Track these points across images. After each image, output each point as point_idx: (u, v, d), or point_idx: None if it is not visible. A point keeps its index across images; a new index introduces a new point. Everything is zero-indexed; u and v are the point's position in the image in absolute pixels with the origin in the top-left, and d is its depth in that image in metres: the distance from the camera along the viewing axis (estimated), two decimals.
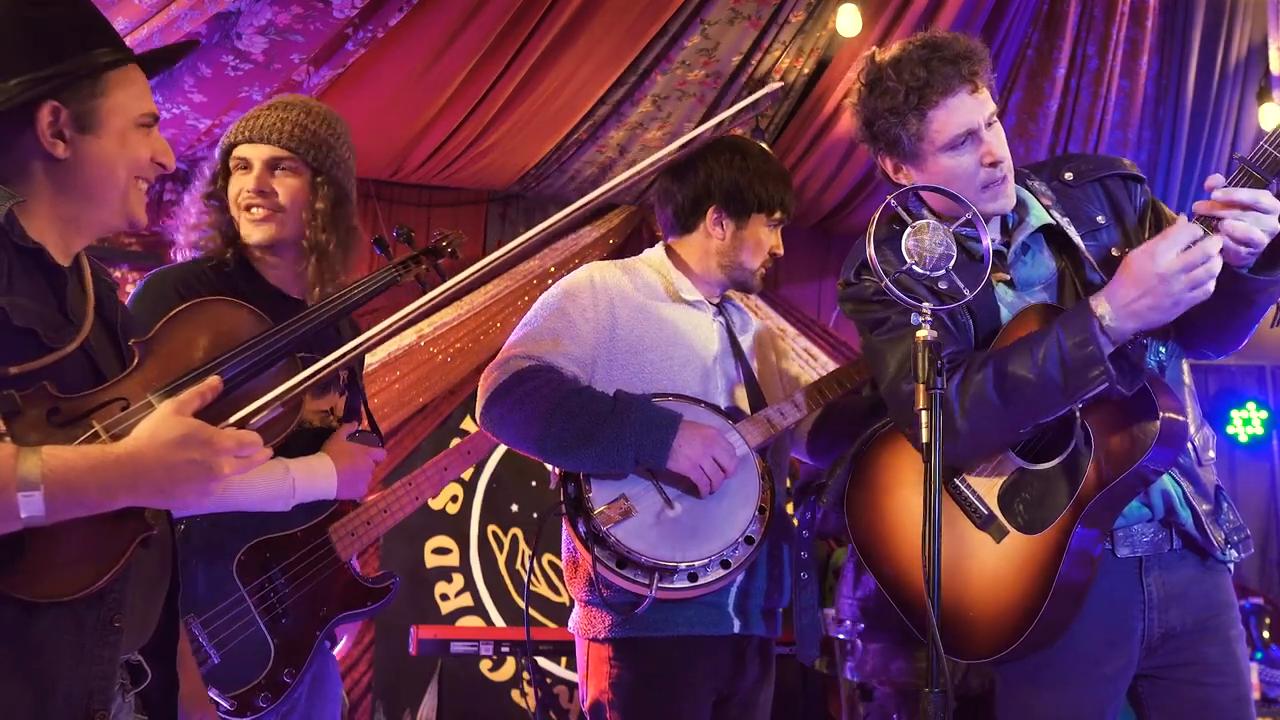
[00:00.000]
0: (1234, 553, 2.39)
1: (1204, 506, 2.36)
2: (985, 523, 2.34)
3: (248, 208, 2.68)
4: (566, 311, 2.83)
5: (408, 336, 5.98)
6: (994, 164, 2.38)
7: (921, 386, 2.04)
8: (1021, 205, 2.45)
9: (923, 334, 2.07)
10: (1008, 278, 2.39)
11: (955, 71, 2.38)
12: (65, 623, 1.72)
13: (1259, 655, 6.42)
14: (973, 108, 2.39)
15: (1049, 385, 2.19)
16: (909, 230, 2.15)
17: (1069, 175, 2.50)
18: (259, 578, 2.59)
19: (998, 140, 2.41)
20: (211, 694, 2.43)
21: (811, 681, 4.91)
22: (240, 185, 2.68)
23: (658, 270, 2.98)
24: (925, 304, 2.12)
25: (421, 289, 2.45)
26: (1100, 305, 2.19)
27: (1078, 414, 2.27)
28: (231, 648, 2.54)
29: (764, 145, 3.17)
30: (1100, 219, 2.46)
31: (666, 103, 5.90)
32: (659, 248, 3.05)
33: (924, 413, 2.03)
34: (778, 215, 2.97)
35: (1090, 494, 2.24)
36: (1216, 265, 2.14)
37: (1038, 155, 6.46)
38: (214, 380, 1.79)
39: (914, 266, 2.14)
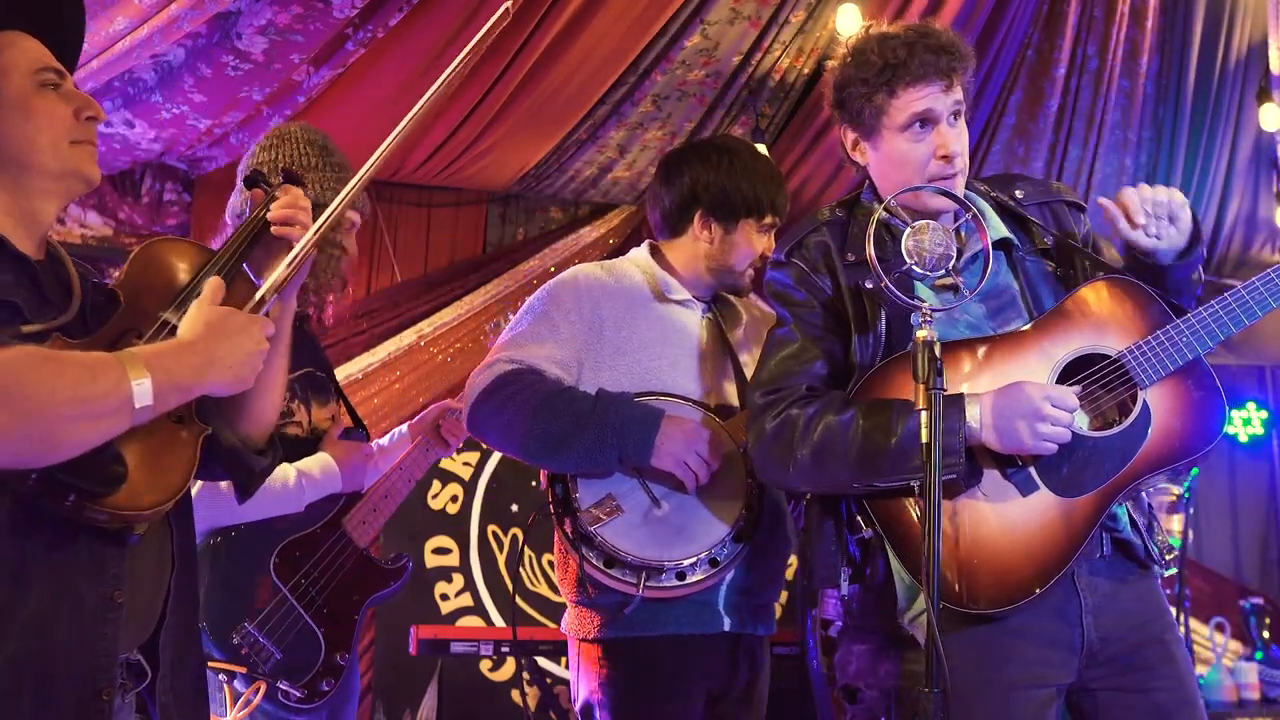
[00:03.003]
0: (1158, 568, 2.40)
1: (1142, 520, 2.38)
2: (1014, 474, 2.29)
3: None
4: (550, 314, 2.83)
5: (408, 337, 5.97)
6: (946, 158, 2.40)
7: (921, 386, 2.03)
8: (979, 214, 2.46)
9: (922, 334, 2.07)
10: (953, 282, 2.37)
11: (934, 61, 2.39)
12: (65, 601, 1.73)
13: (1259, 655, 6.42)
14: (939, 99, 2.40)
15: (900, 455, 2.22)
16: (909, 230, 2.16)
17: (1019, 194, 2.54)
18: (295, 575, 2.80)
19: (956, 137, 2.42)
20: (282, 685, 2.68)
21: (812, 682, 4.90)
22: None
23: (643, 270, 2.98)
24: (924, 304, 2.13)
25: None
26: (972, 407, 2.24)
27: (1141, 391, 2.28)
28: (289, 642, 2.74)
29: (754, 146, 3.17)
30: (1047, 240, 2.50)
31: (666, 103, 5.89)
32: (644, 247, 3.05)
33: (923, 413, 2.03)
34: (768, 219, 2.96)
35: (1141, 471, 2.26)
36: (1066, 436, 2.22)
37: (1038, 154, 6.46)
38: (217, 280, 1.94)
39: (914, 266, 2.16)
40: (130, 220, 5.64)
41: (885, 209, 2.36)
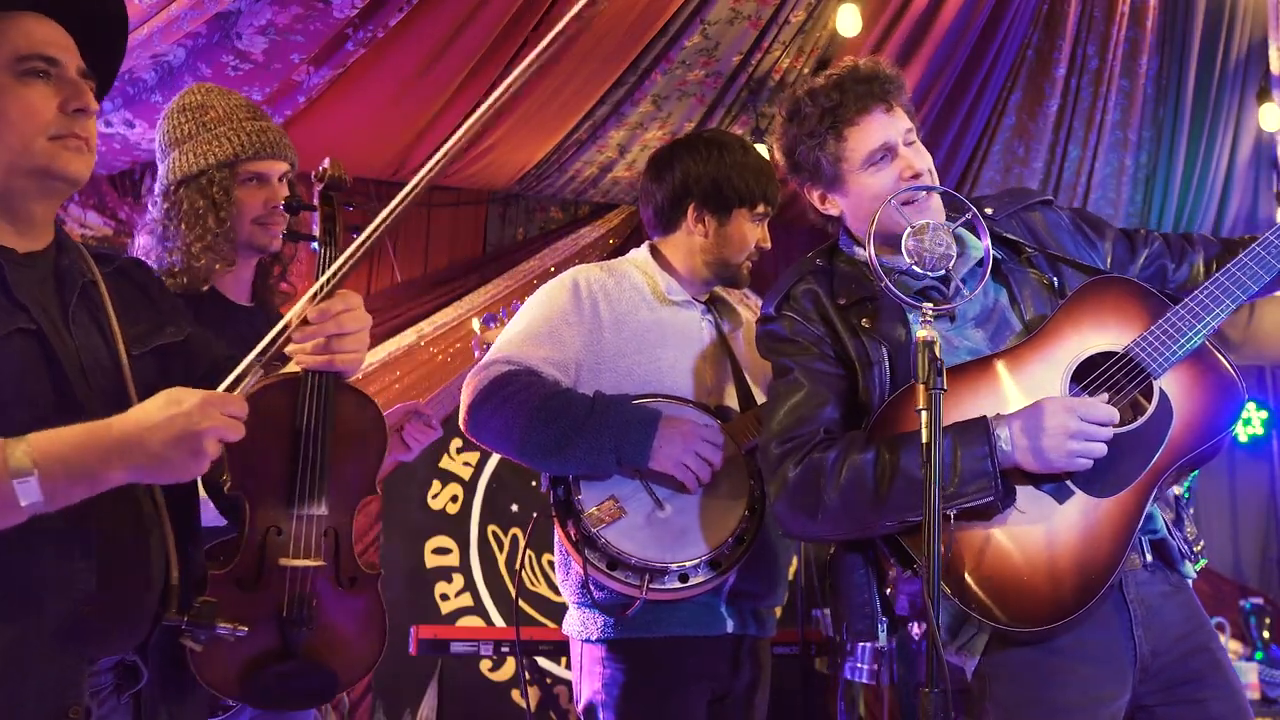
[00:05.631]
0: (1189, 565, 2.37)
1: (1168, 515, 2.37)
2: (1047, 484, 2.25)
3: (270, 222, 2.72)
4: (549, 316, 2.82)
5: (408, 337, 5.97)
6: (914, 177, 2.41)
7: (922, 386, 2.03)
8: (958, 239, 2.42)
9: (923, 334, 2.07)
10: (948, 307, 2.36)
11: (868, 90, 2.42)
12: (29, 621, 1.70)
13: (1259, 655, 6.43)
14: (887, 124, 2.43)
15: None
16: (909, 231, 2.17)
17: (989, 211, 2.52)
18: None
19: (917, 155, 2.44)
20: None
21: (812, 682, 4.91)
22: (263, 199, 2.71)
23: (643, 271, 2.97)
24: (926, 304, 2.12)
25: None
26: (1001, 428, 2.21)
27: (1155, 380, 2.27)
28: None
29: (744, 139, 3.15)
30: (1028, 250, 2.49)
31: (666, 102, 5.90)
32: (644, 248, 3.04)
33: (924, 413, 2.02)
34: (760, 209, 2.95)
35: (1173, 459, 2.24)
36: (1100, 450, 2.19)
37: (1038, 155, 6.46)
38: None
39: (914, 267, 2.17)
40: (130, 220, 5.63)
41: (886, 210, 2.35)
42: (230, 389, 1.80)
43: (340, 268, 1.92)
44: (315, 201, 2.21)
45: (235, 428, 1.74)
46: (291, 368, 2.07)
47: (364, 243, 1.89)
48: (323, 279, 1.95)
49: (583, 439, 2.63)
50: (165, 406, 1.70)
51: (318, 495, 2.04)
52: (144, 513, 1.84)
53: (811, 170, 2.49)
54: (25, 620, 1.70)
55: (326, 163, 2.30)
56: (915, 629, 2.29)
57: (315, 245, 2.11)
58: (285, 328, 1.87)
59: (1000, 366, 2.33)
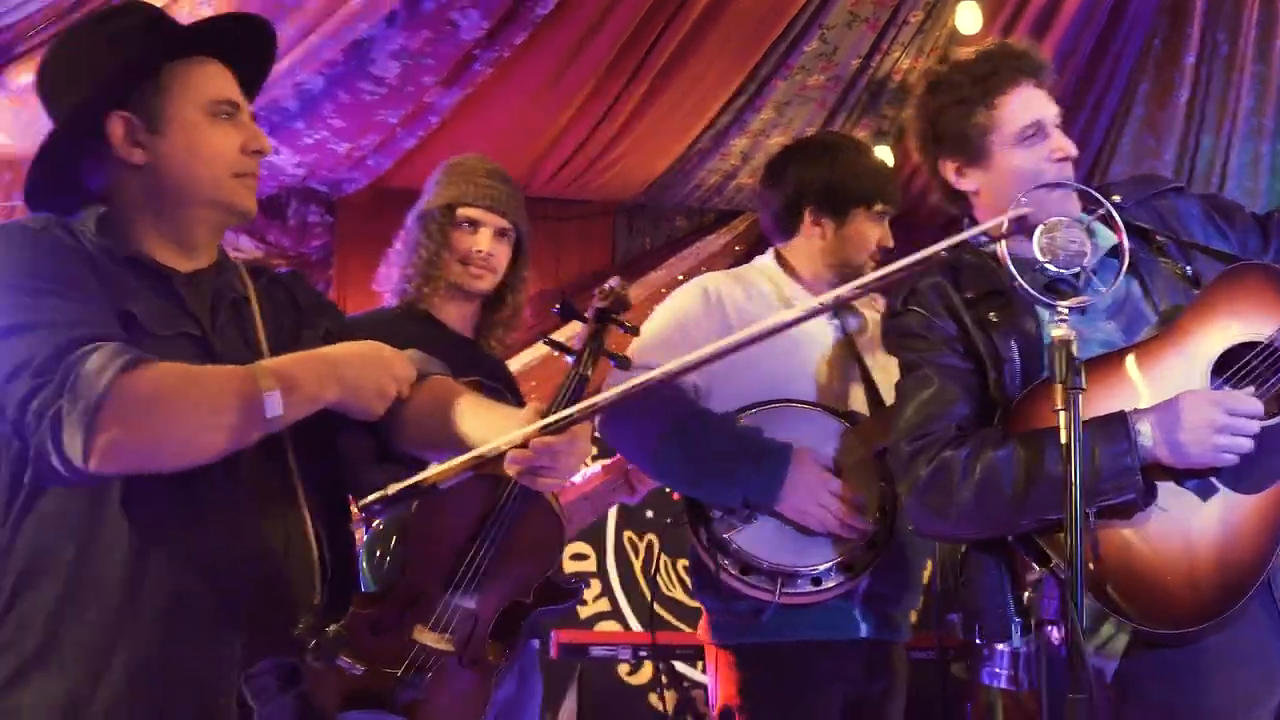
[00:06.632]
0: None
1: None
2: (1190, 480, 2.16)
3: (472, 264, 2.97)
4: (681, 321, 2.84)
5: (540, 349, 6.01)
6: (1063, 160, 2.35)
7: (1059, 386, 1.95)
8: (1089, 231, 2.34)
9: (1059, 332, 2.00)
10: (1082, 300, 2.24)
11: (1019, 65, 2.39)
12: (182, 607, 1.82)
13: None
14: (1042, 101, 2.38)
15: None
16: (1041, 228, 2.12)
17: (1118, 198, 2.40)
18: None
19: (1066, 139, 2.38)
20: None
21: (950, 687, 4.85)
22: (470, 244, 2.98)
23: (769, 277, 2.97)
24: (1061, 302, 2.05)
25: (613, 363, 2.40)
26: (1142, 423, 2.13)
27: None
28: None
29: (859, 139, 3.14)
30: (1160, 239, 2.41)
31: (788, 109, 5.90)
32: (770, 254, 3.04)
33: (1062, 413, 1.95)
34: (879, 207, 2.93)
35: None
36: (1247, 445, 2.11)
37: (1169, 146, 6.31)
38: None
39: (1047, 265, 2.12)
40: (279, 243, 5.84)
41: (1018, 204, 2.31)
42: (434, 479, 1.87)
43: (579, 412, 1.81)
44: (589, 315, 2.30)
45: (404, 384, 1.99)
46: None
47: (601, 402, 1.82)
48: (559, 415, 1.78)
49: (711, 481, 2.67)
50: (367, 348, 1.98)
51: (472, 590, 2.24)
52: (297, 533, 1.95)
53: (954, 140, 2.42)
54: (178, 612, 1.81)
55: (614, 281, 2.37)
56: (1055, 632, 2.17)
57: (570, 358, 2.20)
58: (513, 442, 1.81)
59: (1135, 360, 2.26)
